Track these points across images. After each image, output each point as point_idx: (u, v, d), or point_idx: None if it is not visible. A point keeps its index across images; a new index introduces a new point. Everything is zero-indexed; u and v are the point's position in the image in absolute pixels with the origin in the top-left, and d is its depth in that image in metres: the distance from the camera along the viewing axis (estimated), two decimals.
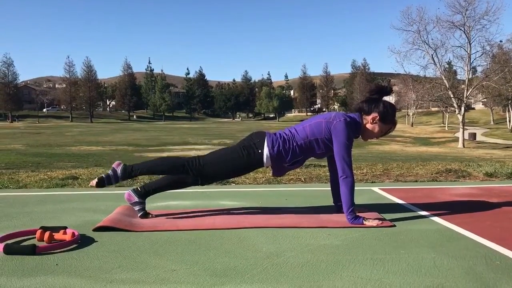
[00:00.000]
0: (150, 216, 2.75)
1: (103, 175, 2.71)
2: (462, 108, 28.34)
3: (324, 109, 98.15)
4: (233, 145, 2.77)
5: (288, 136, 2.67)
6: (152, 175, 2.80)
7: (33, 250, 2.02)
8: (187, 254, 2.05)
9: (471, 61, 28.12)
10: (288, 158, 2.64)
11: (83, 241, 2.25)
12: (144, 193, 2.75)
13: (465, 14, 27.05)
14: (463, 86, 28.82)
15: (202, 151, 15.72)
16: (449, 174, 4.88)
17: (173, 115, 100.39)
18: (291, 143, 2.64)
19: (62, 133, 36.75)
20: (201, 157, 2.74)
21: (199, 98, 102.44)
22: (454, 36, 28.75)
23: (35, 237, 2.25)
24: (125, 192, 2.79)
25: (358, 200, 2.81)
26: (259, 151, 2.63)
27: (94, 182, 2.70)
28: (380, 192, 3.81)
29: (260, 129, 2.86)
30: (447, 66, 30.62)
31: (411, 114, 61.78)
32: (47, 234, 2.20)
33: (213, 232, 2.45)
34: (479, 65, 29.62)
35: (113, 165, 2.75)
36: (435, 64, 28.77)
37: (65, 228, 2.31)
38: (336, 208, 2.88)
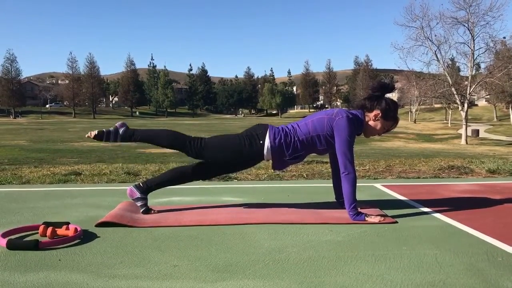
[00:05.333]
0: (152, 212, 2.76)
1: (104, 129, 2.70)
2: (465, 105, 28.27)
3: (326, 106, 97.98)
4: (236, 134, 2.77)
5: (290, 131, 2.67)
6: (151, 144, 2.80)
7: (36, 246, 2.03)
8: (189, 250, 2.06)
9: (475, 58, 28.03)
10: (289, 152, 2.64)
11: (85, 236, 2.26)
12: (146, 189, 2.76)
13: (469, 10, 26.96)
14: (466, 82, 28.74)
15: None
16: (452, 170, 4.87)
17: (175, 111, 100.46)
18: (293, 137, 2.64)
19: (65, 129, 36.82)
20: (203, 138, 2.73)
21: (201, 94, 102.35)
22: (457, 33, 28.84)
23: (38, 233, 2.26)
24: (127, 188, 2.80)
25: (360, 197, 2.81)
26: (261, 142, 2.63)
27: (93, 133, 2.69)
28: (382, 189, 3.81)
29: (265, 123, 2.86)
30: (450, 62, 30.56)
31: (414, 110, 61.61)
32: (49, 229, 2.20)
33: (215, 228, 2.45)
34: (482, 62, 29.61)
35: (116, 124, 2.75)
36: (438, 60, 28.71)
37: (67, 223, 2.32)
38: (338, 204, 2.88)
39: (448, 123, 53.20)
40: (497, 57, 28.24)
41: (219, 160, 2.72)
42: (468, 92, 27.95)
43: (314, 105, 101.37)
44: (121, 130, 2.71)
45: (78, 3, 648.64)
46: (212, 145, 2.70)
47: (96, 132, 2.69)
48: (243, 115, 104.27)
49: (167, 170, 2.92)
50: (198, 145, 2.67)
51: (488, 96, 42.49)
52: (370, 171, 4.82)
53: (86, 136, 2.75)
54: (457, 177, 4.55)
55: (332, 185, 2.95)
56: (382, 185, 3.96)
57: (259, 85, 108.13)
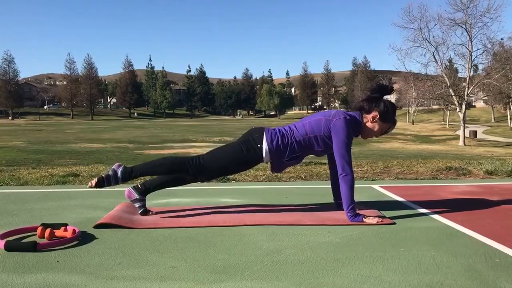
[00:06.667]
0: (151, 213, 2.76)
1: (103, 175, 2.70)
2: (463, 106, 28.31)
3: (325, 107, 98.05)
4: (233, 142, 2.78)
5: (287, 132, 2.68)
6: (153, 175, 2.80)
7: (34, 247, 2.03)
8: (188, 251, 2.06)
9: (472, 59, 28.08)
10: (287, 154, 2.65)
11: (83, 238, 2.26)
12: (144, 190, 2.76)
13: (467, 12, 26.99)
14: (464, 84, 28.76)
15: (203, 149, 15.72)
16: (450, 172, 4.88)
17: (174, 112, 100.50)
18: (290, 138, 2.65)
19: (63, 130, 36.78)
20: (201, 156, 2.74)
21: (200, 96, 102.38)
22: (455, 34, 28.79)
23: (36, 234, 2.26)
24: (126, 190, 2.80)
25: (358, 198, 2.81)
26: (258, 145, 2.64)
27: (93, 182, 2.67)
28: (380, 190, 3.81)
29: (260, 126, 2.87)
30: (448, 63, 30.58)
31: (412, 111, 61.70)
32: (48, 231, 2.20)
33: (213, 229, 2.45)
34: (480, 63, 29.63)
35: (113, 166, 2.74)
36: (436, 61, 28.74)
37: (65, 225, 2.32)
38: (336, 205, 2.89)
39: (446, 124, 53.28)
40: (495, 58, 28.29)
41: (220, 171, 2.75)
42: (466, 93, 27.98)
43: (312, 107, 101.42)
44: (119, 171, 2.70)
45: (76, 4, 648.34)
46: (211, 160, 2.70)
47: (96, 180, 2.68)
48: (241, 116, 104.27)
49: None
50: (197, 163, 2.68)
51: (486, 98, 42.58)
52: (368, 172, 4.83)
53: (88, 186, 2.73)
54: (455, 179, 4.56)
55: (330, 186, 2.96)
56: (380, 186, 3.97)
57: (257, 86, 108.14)
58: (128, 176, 2.70)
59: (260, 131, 2.70)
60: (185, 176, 2.75)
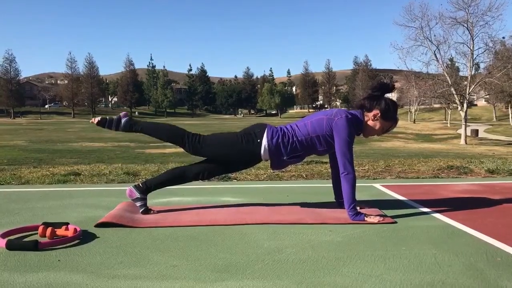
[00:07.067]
0: (152, 212, 2.76)
1: (107, 117, 2.78)
2: (465, 105, 28.27)
3: (326, 106, 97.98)
4: (235, 132, 2.78)
5: (288, 131, 2.67)
6: (151, 136, 2.85)
7: (35, 246, 2.03)
8: (189, 250, 2.06)
9: (474, 58, 28.05)
10: (287, 152, 2.64)
11: (85, 237, 2.26)
12: (145, 189, 2.76)
13: (468, 11, 26.95)
14: (465, 82, 28.73)
15: None
16: (451, 170, 4.88)
17: (175, 111, 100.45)
18: (291, 138, 2.64)
19: (64, 129, 36.81)
20: (201, 135, 2.75)
21: (201, 95, 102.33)
22: (457, 33, 28.71)
23: (37, 233, 2.26)
24: (127, 188, 2.80)
25: (359, 197, 2.81)
26: (258, 140, 2.64)
27: (96, 119, 2.77)
28: (382, 189, 3.81)
29: (263, 122, 2.88)
30: (449, 62, 30.55)
31: (413, 110, 61.59)
32: (49, 230, 2.20)
33: (215, 228, 2.45)
34: (481, 62, 29.58)
35: (121, 114, 2.81)
36: (437, 60, 28.71)
37: (67, 224, 2.32)
38: (338, 204, 2.88)
39: (447, 123, 53.17)
40: (496, 57, 28.25)
41: (216, 156, 2.73)
42: (467, 92, 27.95)
43: (314, 105, 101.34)
44: (123, 120, 2.76)
45: (77, 3, 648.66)
46: (210, 142, 2.71)
47: (99, 118, 2.77)
48: (242, 115, 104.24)
49: (167, 171, 2.93)
50: (195, 141, 2.69)
51: (487, 96, 42.52)
52: (369, 171, 4.83)
53: (90, 122, 2.83)
54: (456, 177, 4.55)
55: (331, 185, 2.96)
56: (382, 185, 3.96)
57: (258, 85, 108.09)
58: (129, 127, 2.77)
59: (262, 127, 2.71)
60: (186, 174, 2.76)
